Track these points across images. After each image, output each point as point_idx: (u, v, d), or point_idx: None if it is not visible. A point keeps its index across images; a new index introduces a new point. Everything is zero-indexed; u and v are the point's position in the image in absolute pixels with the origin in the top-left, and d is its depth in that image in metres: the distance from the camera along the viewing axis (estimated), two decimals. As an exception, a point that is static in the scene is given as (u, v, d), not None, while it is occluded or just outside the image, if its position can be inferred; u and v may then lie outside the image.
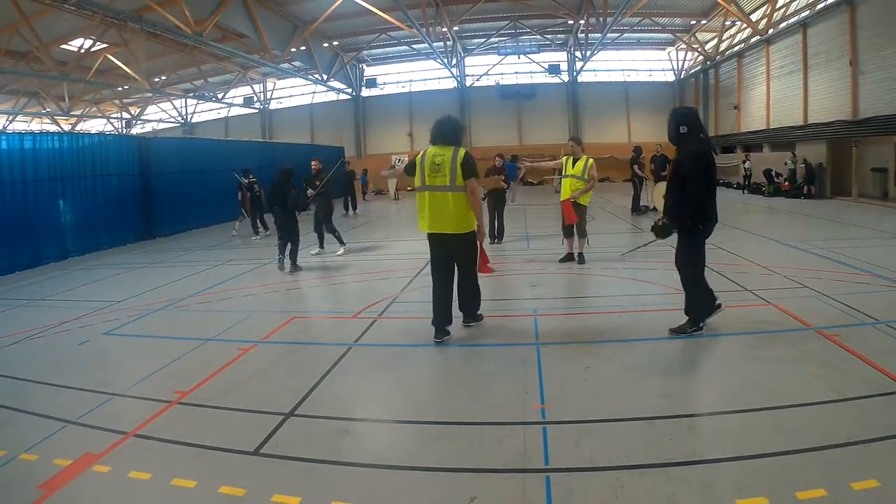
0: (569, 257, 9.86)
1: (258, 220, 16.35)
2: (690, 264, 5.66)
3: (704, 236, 5.60)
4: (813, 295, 7.00)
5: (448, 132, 5.93)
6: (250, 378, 5.19)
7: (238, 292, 9.04)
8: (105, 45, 25.73)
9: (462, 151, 5.82)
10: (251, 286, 9.47)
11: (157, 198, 17.85)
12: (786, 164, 22.24)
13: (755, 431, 3.74)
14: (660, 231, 5.79)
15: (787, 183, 21.93)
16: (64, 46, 24.95)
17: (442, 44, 32.51)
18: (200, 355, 5.95)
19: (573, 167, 9.58)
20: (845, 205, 18.57)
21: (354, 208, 22.29)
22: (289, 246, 10.41)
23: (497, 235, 12.58)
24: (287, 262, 10.40)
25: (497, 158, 13.25)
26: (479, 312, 6.45)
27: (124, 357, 6.24)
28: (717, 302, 5.82)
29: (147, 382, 5.19)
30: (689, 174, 5.41)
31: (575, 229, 9.67)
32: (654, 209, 16.69)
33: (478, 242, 6.07)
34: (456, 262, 6.08)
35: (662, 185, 16.87)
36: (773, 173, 22.78)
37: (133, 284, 10.13)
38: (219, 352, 5.98)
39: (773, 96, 25.37)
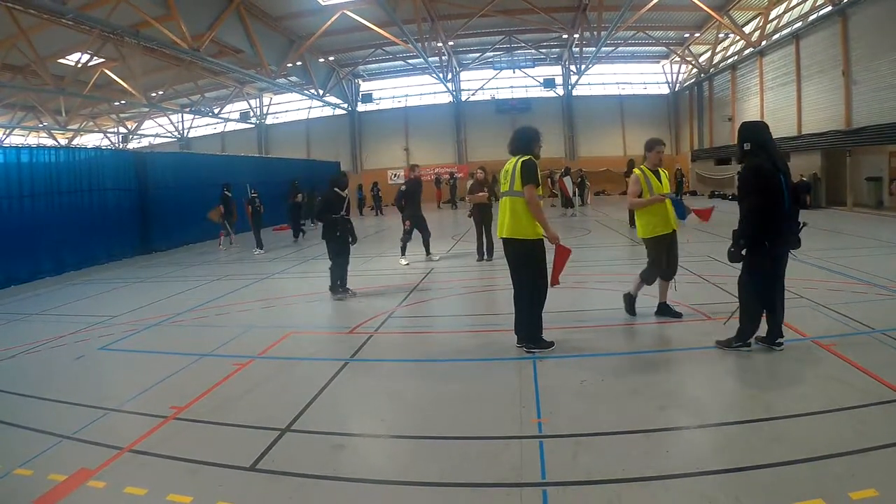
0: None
1: (259, 235, 16.40)
2: (746, 276, 5.48)
3: (770, 254, 5.25)
4: (809, 305, 7.01)
5: (516, 141, 5.94)
6: (247, 393, 5.17)
7: (234, 307, 9.02)
8: (102, 60, 25.84)
9: (522, 158, 5.73)
10: (248, 301, 9.45)
11: (153, 212, 17.89)
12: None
13: (753, 442, 3.73)
14: (729, 256, 5.51)
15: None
16: (61, 61, 25.07)
17: (437, 59, 32.68)
18: (197, 371, 5.93)
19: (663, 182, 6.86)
20: (840, 215, 18.65)
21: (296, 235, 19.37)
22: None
23: (486, 252, 12.14)
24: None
25: (479, 172, 12.35)
26: (541, 336, 5.87)
27: (120, 372, 6.21)
28: (779, 341, 5.46)
29: (143, 398, 5.17)
30: (743, 191, 5.30)
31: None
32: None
33: (544, 253, 5.74)
34: (512, 269, 5.92)
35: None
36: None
37: (129, 299, 10.11)
38: (215, 367, 5.96)
39: (767, 107, 25.55)
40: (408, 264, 12.11)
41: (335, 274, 9.27)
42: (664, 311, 6.96)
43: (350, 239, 9.25)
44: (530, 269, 5.76)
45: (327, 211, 9.16)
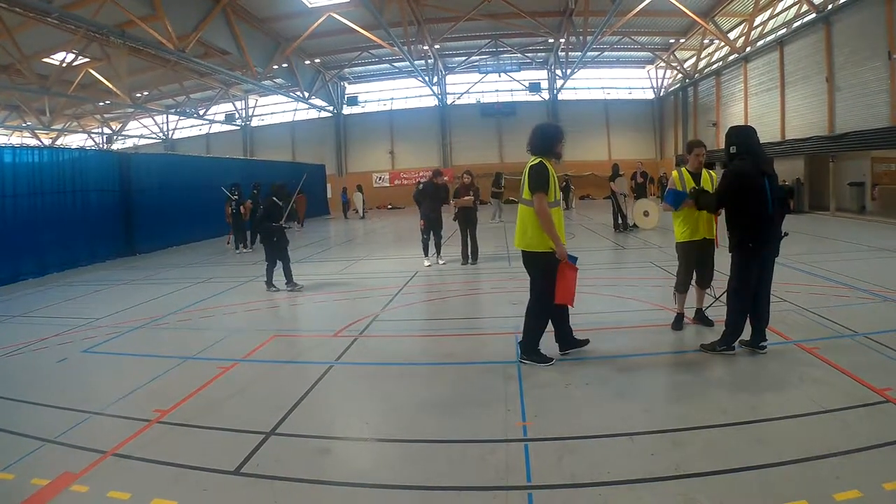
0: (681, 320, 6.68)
1: (241, 236, 16.40)
2: (733, 279, 5.47)
3: (753, 255, 5.27)
4: (792, 309, 7.08)
5: (532, 140, 5.49)
6: (231, 397, 5.13)
7: (219, 310, 8.96)
8: (87, 60, 25.69)
9: (532, 162, 5.35)
10: (232, 304, 9.39)
11: (137, 214, 17.71)
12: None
13: (738, 445, 3.75)
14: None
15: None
16: (46, 60, 24.88)
17: (423, 62, 32.71)
18: (180, 374, 5.88)
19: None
20: (823, 219, 18.84)
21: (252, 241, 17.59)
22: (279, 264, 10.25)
23: (471, 256, 12.16)
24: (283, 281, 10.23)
25: (465, 176, 12.36)
26: (538, 349, 5.58)
27: (103, 375, 6.14)
28: (762, 344, 5.50)
29: (126, 401, 5.12)
30: (721, 192, 5.38)
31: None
32: (635, 226, 16.81)
33: (556, 266, 5.33)
34: (530, 276, 5.63)
35: (642, 203, 17.11)
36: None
37: (113, 301, 10.00)
38: (199, 370, 5.91)
39: (751, 113, 25.76)
40: (430, 265, 12.04)
41: (270, 273, 10.26)
42: (699, 317, 6.72)
43: (285, 243, 10.29)
44: (540, 282, 5.48)
45: (266, 219, 10.12)
